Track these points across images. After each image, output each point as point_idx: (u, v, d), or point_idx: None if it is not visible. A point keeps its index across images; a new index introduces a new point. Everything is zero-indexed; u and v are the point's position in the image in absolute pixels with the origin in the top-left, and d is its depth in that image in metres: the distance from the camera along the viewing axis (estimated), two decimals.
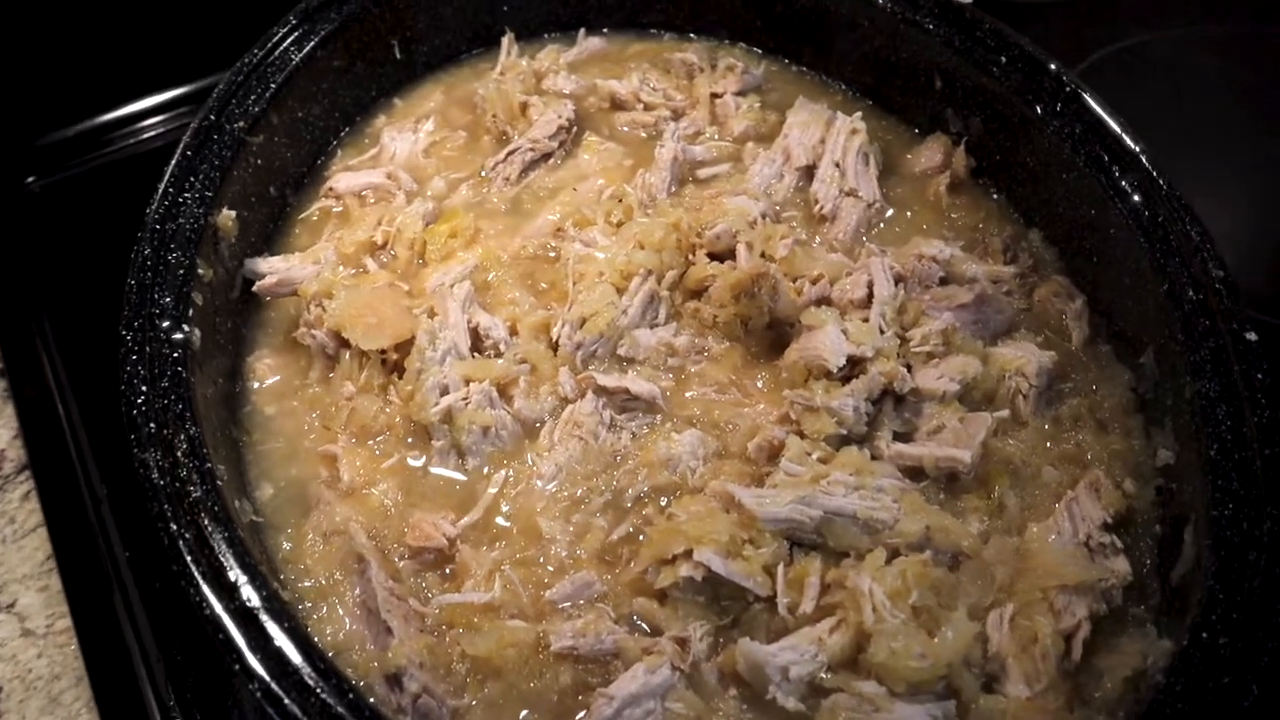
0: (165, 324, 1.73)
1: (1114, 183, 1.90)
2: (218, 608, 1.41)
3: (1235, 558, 1.46)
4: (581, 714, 1.54)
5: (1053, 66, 2.06)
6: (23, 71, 2.67)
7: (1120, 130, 1.94)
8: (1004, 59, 2.10)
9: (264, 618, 1.41)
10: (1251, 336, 1.65)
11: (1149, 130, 1.99)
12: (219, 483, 1.58)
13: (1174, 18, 2.96)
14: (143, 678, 1.86)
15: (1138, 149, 1.91)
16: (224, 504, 1.55)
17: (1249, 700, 1.33)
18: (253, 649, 1.38)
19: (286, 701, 1.33)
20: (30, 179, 2.64)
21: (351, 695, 1.36)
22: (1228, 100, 2.87)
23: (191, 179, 1.92)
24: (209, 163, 1.96)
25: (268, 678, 1.35)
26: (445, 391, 1.83)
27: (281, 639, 1.40)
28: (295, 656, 1.38)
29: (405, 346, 1.89)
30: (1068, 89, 2.02)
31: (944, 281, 1.99)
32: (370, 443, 1.85)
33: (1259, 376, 1.61)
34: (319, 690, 1.35)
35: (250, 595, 1.43)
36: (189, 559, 1.45)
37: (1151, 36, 2.91)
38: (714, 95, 2.39)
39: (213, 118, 2.01)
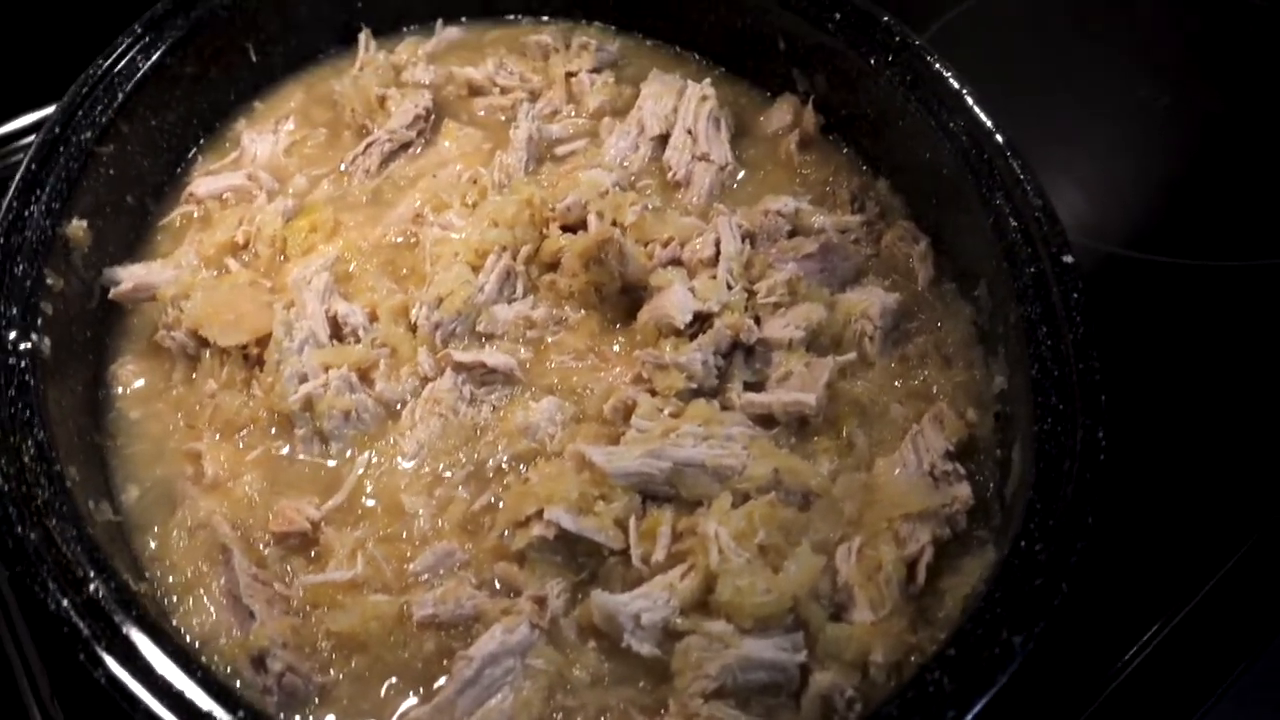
0: (11, 334, 1.74)
1: (943, 124, 1.96)
2: (64, 602, 1.43)
3: (1052, 468, 1.52)
4: (443, 679, 1.57)
5: (884, 19, 2.11)
6: None
7: (946, 74, 1.99)
8: (838, 15, 2.14)
9: (110, 608, 1.43)
10: (1068, 259, 1.72)
11: (1007, 82, 2.05)
12: (68, 485, 1.59)
13: None
14: (26, 692, 1.86)
15: (963, 90, 1.97)
16: (74, 505, 1.57)
17: (1058, 599, 1.38)
18: (98, 638, 1.39)
19: (131, 686, 1.35)
20: None
21: (201, 673, 1.39)
22: (1084, 51, 2.96)
23: (38, 191, 1.92)
24: (55, 175, 1.95)
25: (113, 664, 1.37)
26: (304, 379, 1.84)
27: (129, 627, 1.41)
28: (143, 642, 1.40)
29: (266, 341, 1.91)
30: (897, 39, 2.07)
31: (792, 234, 2.04)
32: (235, 437, 1.87)
33: (1074, 296, 1.67)
34: (164, 674, 1.37)
35: (98, 588, 1.45)
36: (33, 558, 1.46)
37: None
38: (569, 74, 2.41)
39: (58, 130, 2.00)
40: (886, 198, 2.15)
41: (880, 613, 1.57)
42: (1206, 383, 2.24)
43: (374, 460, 1.82)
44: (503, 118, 2.38)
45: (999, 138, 1.88)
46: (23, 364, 1.71)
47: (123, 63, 2.13)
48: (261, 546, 1.73)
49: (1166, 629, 1.88)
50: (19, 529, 1.50)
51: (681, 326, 1.83)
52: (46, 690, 1.86)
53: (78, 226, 1.95)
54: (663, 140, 2.27)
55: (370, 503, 1.78)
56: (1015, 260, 1.75)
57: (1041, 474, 1.52)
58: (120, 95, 2.10)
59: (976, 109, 1.94)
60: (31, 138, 2.60)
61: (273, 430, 1.87)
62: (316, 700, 1.58)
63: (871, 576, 1.60)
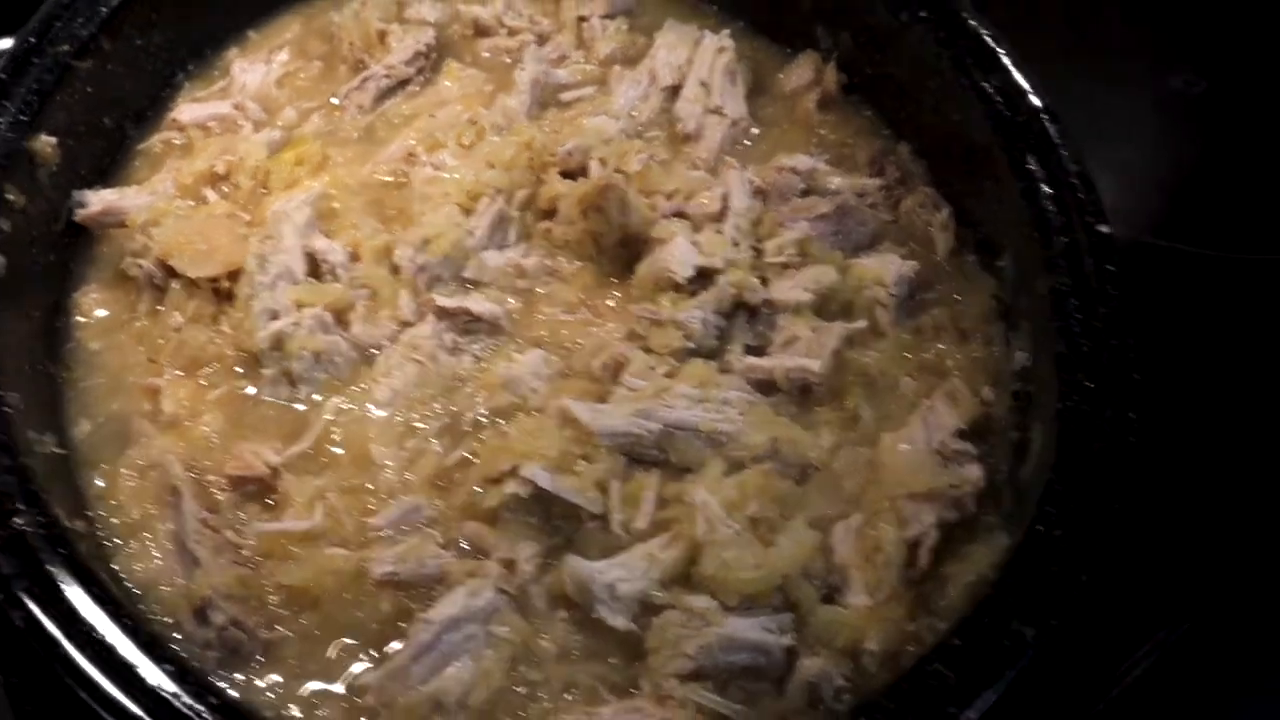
0: None
1: (975, 85, 1.82)
2: None
3: (1076, 450, 1.39)
4: (397, 642, 1.44)
5: None
6: None
7: (983, 32, 1.86)
8: None
9: (36, 544, 1.31)
10: (1104, 229, 1.58)
11: (1034, 62, 1.92)
12: (7, 411, 1.47)
13: None
14: None
15: (1000, 50, 1.83)
16: (10, 432, 1.45)
17: (1076, 590, 1.25)
18: (18, 576, 1.27)
19: (50, 629, 1.23)
20: None
21: (130, 623, 1.27)
22: (1118, 33, 2.82)
23: (5, 102, 1.81)
24: (26, 86, 1.84)
25: (32, 606, 1.25)
26: (275, 316, 1.72)
27: (56, 567, 1.29)
28: (69, 585, 1.28)
29: (239, 276, 1.79)
30: None
31: (805, 194, 1.91)
32: (198, 374, 1.75)
33: (1109, 268, 1.54)
34: (89, 619, 1.25)
35: (25, 522, 1.33)
36: None
37: None
38: (581, 18, 2.27)
39: (33, 40, 1.89)
40: (908, 163, 2.01)
41: (877, 597, 1.44)
42: (1229, 377, 2.10)
43: (344, 406, 1.70)
44: (508, 60, 2.24)
45: (1035, 100, 1.75)
46: None
47: None
48: (216, 492, 1.61)
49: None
50: None
51: (682, 281, 1.70)
52: None
53: (46, 142, 1.83)
54: (674, 91, 2.13)
55: (337, 451, 1.66)
56: (1046, 229, 1.62)
57: (1064, 456, 1.39)
58: (105, 9, 1.98)
59: (1013, 70, 1.80)
60: None
61: (239, 369, 1.75)
62: (261, 658, 1.46)
63: (869, 558, 1.48)
